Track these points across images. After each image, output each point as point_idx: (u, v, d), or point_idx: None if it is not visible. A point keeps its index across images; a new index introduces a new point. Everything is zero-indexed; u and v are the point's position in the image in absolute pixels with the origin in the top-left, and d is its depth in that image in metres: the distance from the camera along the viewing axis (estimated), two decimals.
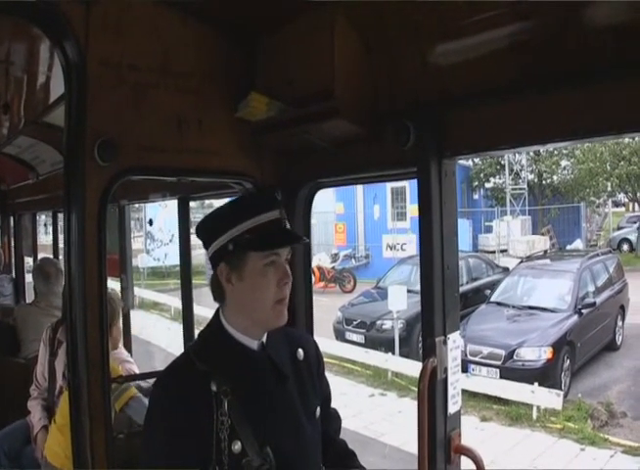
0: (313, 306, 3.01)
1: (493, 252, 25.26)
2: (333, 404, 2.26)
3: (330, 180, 2.90)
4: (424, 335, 2.20)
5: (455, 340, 2.21)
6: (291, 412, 2.00)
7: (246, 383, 1.93)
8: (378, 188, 26.08)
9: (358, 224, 27.39)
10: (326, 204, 25.60)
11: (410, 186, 24.43)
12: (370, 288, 17.80)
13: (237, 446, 1.85)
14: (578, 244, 26.93)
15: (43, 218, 8.14)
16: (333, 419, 2.28)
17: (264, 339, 2.03)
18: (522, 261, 16.53)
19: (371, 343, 14.36)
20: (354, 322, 15.17)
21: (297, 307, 2.90)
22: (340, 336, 15.25)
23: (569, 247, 25.62)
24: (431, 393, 2.07)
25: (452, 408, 2.20)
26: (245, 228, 1.92)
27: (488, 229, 27.74)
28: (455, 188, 2.29)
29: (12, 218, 7.84)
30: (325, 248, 25.82)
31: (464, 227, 24.46)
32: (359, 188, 26.40)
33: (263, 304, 1.94)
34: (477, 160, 28.84)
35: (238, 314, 1.99)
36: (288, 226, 2.00)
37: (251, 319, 1.98)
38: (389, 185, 25.64)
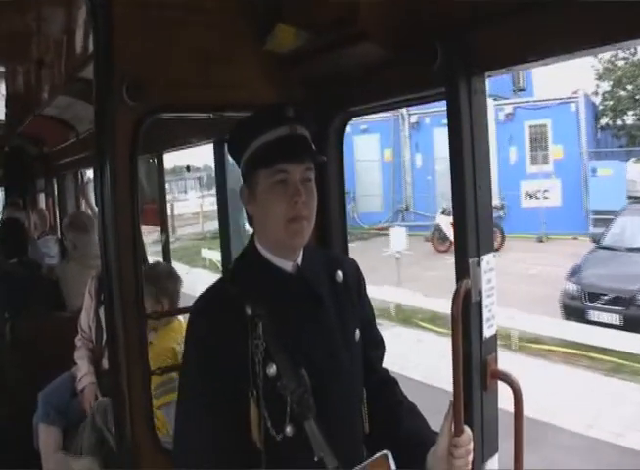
0: (347, 229, 2.98)
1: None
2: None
3: (360, 108, 2.83)
4: (457, 257, 2.13)
5: (489, 262, 2.13)
6: (327, 335, 1.96)
7: (280, 305, 1.90)
8: (513, 127, 23.34)
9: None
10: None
11: (553, 123, 22.76)
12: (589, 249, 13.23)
13: (272, 370, 1.83)
14: None
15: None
16: (375, 345, 2.21)
17: (299, 261, 1.99)
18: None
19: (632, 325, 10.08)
20: (603, 297, 10.91)
21: (333, 231, 2.89)
22: (575, 315, 11.16)
23: None
24: (464, 316, 2.00)
25: (488, 332, 2.13)
26: (254, 147, 1.91)
27: None
28: (486, 107, 2.20)
29: (55, 180, 7.94)
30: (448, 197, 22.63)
31: (619, 170, 21.52)
32: (491, 127, 21.20)
33: (275, 222, 1.89)
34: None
35: (262, 235, 1.97)
36: (301, 141, 1.94)
37: (270, 239, 1.95)
38: (528, 123, 23.30)
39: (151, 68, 2.46)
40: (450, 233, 18.67)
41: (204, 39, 2.59)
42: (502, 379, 2.12)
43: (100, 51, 2.42)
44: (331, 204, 2.86)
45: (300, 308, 1.94)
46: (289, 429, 1.84)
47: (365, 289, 2.19)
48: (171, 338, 3.44)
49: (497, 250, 16.77)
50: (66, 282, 5.28)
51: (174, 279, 3.71)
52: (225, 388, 1.82)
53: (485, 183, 2.17)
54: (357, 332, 2.06)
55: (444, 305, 9.72)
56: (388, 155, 26.17)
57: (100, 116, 2.47)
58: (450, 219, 19.13)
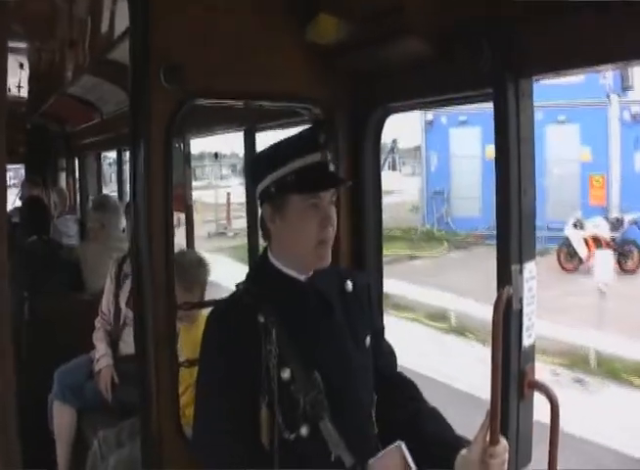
0: (383, 250, 2.93)
1: None
2: None
3: (401, 104, 2.79)
4: (499, 263, 2.11)
5: (531, 270, 2.10)
6: (338, 341, 2.03)
7: (292, 313, 1.97)
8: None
9: (612, 177, 19.57)
10: (568, 148, 19.99)
11: None
12: None
13: (286, 374, 1.91)
14: None
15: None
16: (386, 354, 2.28)
17: (311, 273, 2.06)
18: None
19: None
20: None
21: (367, 250, 2.84)
22: None
23: None
24: (505, 324, 1.96)
25: (527, 341, 2.10)
26: (286, 171, 1.95)
27: None
28: (532, 110, 2.17)
29: (76, 160, 7.93)
30: (568, 208, 18.12)
31: None
32: (614, 129, 19.63)
33: (305, 245, 1.98)
34: None
35: (282, 253, 2.04)
36: (331, 168, 2.00)
37: (294, 259, 2.03)
38: None
39: (190, 52, 2.44)
40: (582, 249, 16.97)
41: (246, 25, 2.57)
42: (539, 390, 2.09)
43: (137, 32, 2.41)
44: (366, 204, 2.80)
45: (313, 316, 2.03)
46: (304, 430, 1.92)
47: (376, 302, 2.33)
48: (200, 328, 3.41)
49: (633, 272, 16.30)
50: (86, 263, 5.26)
51: (204, 268, 3.68)
52: (239, 391, 1.91)
53: (530, 189, 2.14)
54: (367, 339, 2.13)
55: None
56: (492, 152, 24.21)
57: (135, 99, 2.46)
58: (583, 233, 17.15)
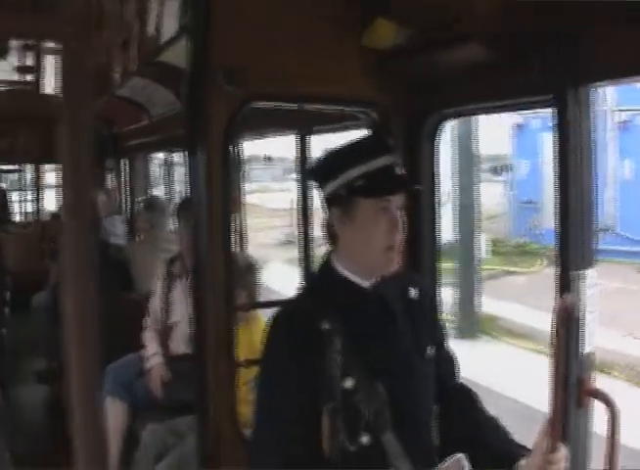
0: (439, 260, 2.91)
1: None
2: None
3: (457, 110, 2.80)
4: (560, 270, 2.11)
5: (592, 277, 2.08)
6: (401, 350, 2.00)
7: (356, 320, 1.94)
8: None
9: None
10: None
11: None
12: None
13: (349, 383, 1.88)
14: None
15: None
16: (448, 361, 2.25)
17: (375, 279, 2.03)
18: None
19: None
20: None
21: (423, 260, 2.83)
22: None
23: None
24: (566, 332, 1.95)
25: (586, 349, 2.09)
26: (356, 174, 1.92)
27: None
28: (591, 117, 2.15)
29: (124, 160, 8.02)
30: None
31: None
32: None
33: (374, 250, 1.95)
34: None
35: (348, 258, 2.01)
36: (401, 172, 1.97)
37: (361, 264, 1.99)
38: None
39: (249, 54, 2.44)
40: None
41: (305, 29, 2.57)
42: (599, 398, 2.07)
43: (197, 34, 2.43)
44: (422, 213, 2.78)
45: (376, 323, 1.99)
46: (365, 440, 1.88)
47: (438, 312, 2.29)
48: (256, 330, 3.45)
49: None
50: (135, 263, 5.35)
51: (254, 271, 3.71)
52: (302, 397, 1.88)
53: (590, 194, 2.13)
54: (430, 348, 2.10)
55: None
56: None
57: (193, 101, 2.47)
58: None
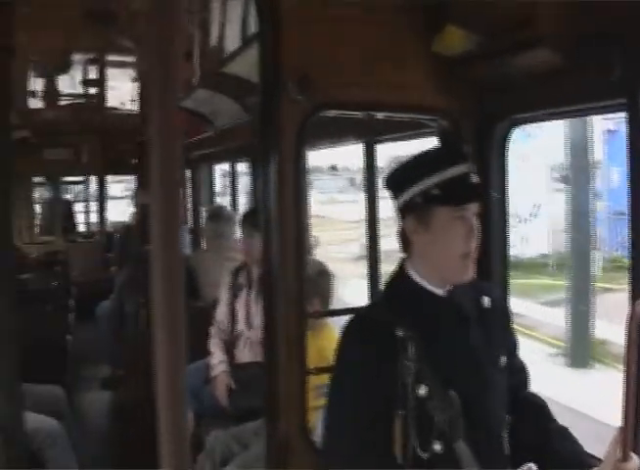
0: (509, 272, 2.87)
1: None
2: None
3: (527, 116, 2.76)
4: (633, 275, 2.06)
5: None
6: (475, 358, 2.00)
7: (429, 328, 1.94)
8: None
9: None
10: None
11: None
12: None
13: (422, 391, 1.88)
14: None
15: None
16: (518, 371, 2.23)
17: (449, 288, 2.03)
18: None
19: None
20: None
21: (492, 271, 2.79)
22: None
23: None
24: (638, 338, 1.89)
25: None
26: (432, 182, 1.92)
27: None
28: None
29: (188, 171, 8.13)
30: None
31: None
32: None
33: (449, 258, 1.96)
34: None
35: (423, 265, 2.01)
36: (476, 180, 1.97)
37: (436, 272, 2.00)
38: None
39: (318, 63, 2.46)
40: None
41: (372, 37, 2.58)
42: None
43: (267, 44, 2.46)
44: (491, 223, 2.73)
45: (450, 331, 2.00)
46: (437, 448, 1.89)
47: (511, 321, 2.25)
48: (326, 338, 3.45)
49: None
50: (201, 271, 5.40)
51: (327, 277, 3.70)
52: (377, 405, 1.89)
53: None
54: (503, 358, 2.09)
55: None
56: None
57: (265, 111, 2.50)
58: None
